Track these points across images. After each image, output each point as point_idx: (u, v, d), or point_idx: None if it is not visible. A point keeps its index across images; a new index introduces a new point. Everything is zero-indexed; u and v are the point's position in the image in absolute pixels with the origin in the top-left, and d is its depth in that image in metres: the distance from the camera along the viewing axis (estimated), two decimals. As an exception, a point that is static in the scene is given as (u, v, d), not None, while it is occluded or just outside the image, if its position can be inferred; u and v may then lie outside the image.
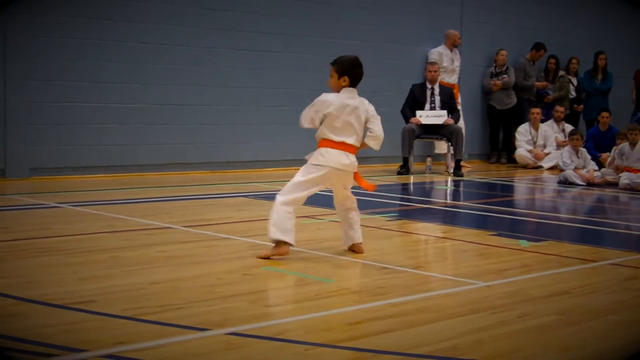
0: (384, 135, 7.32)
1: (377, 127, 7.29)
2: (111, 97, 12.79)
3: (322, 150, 7.05)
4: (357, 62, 7.36)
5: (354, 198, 7.31)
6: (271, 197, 10.56)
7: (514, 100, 17.97)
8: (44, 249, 7.00)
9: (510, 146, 17.85)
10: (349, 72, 7.23)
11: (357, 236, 7.25)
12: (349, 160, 7.06)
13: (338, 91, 7.17)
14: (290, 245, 6.82)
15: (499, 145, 18.26)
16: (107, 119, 12.76)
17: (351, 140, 7.08)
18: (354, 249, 7.24)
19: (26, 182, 11.70)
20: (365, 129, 7.24)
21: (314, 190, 7.07)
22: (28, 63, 11.96)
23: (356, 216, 7.27)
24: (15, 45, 11.80)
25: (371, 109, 7.28)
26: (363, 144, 7.26)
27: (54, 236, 7.61)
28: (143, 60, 12.99)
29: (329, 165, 6.97)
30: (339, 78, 7.17)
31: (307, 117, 7.17)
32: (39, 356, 4.21)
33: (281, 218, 6.81)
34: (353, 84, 7.23)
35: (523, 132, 17.19)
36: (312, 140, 15.00)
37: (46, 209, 9.43)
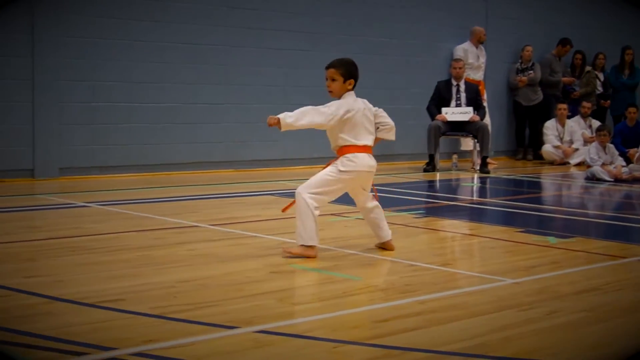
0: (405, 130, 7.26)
1: (388, 119, 7.38)
2: (140, 96, 12.85)
3: (350, 155, 7.00)
4: (356, 64, 7.24)
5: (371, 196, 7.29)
6: (298, 195, 10.63)
7: (540, 96, 17.91)
8: (74, 248, 7.04)
9: (536, 142, 17.79)
10: (354, 75, 7.15)
11: (386, 234, 7.24)
12: (373, 161, 7.12)
13: (340, 95, 7.09)
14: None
15: (525, 142, 18.21)
16: (136, 118, 12.81)
17: (370, 141, 7.13)
18: (385, 247, 7.24)
19: (55, 182, 11.78)
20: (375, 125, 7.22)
21: (339, 195, 7.06)
22: (57, 63, 12.03)
23: (380, 213, 7.26)
24: (44, 46, 11.88)
25: (371, 105, 7.26)
26: (376, 139, 7.28)
27: (83, 235, 7.66)
28: (172, 60, 13.04)
29: (358, 169, 6.94)
30: (344, 81, 7.07)
31: (329, 115, 7.00)
32: (69, 354, 4.24)
33: (311, 222, 6.79)
34: (354, 87, 7.17)
35: (550, 128, 17.12)
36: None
37: (75, 208, 9.49)
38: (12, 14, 11.65)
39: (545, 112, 17.89)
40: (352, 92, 7.13)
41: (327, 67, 7.13)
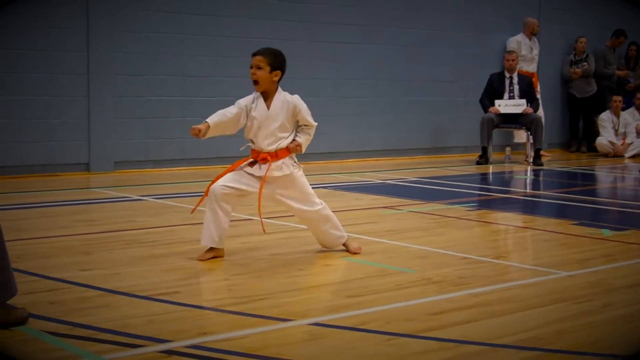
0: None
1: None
2: (193, 90, 12.93)
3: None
4: (285, 57, 6.78)
5: None
6: (351, 189, 10.69)
7: (594, 88, 17.76)
8: (129, 241, 7.12)
9: (590, 135, 17.64)
10: (282, 67, 6.67)
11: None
12: None
13: (266, 85, 6.55)
14: None
15: (579, 134, 18.07)
16: (190, 112, 12.88)
17: None
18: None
19: (110, 176, 11.90)
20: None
21: None
22: (111, 58, 12.15)
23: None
24: (99, 40, 11.99)
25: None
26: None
27: (138, 228, 7.74)
28: (224, 53, 13.10)
29: None
30: (271, 72, 6.52)
31: None
32: (125, 347, 4.30)
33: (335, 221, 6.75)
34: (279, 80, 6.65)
35: (605, 120, 16.97)
36: (391, 131, 15.09)
37: (130, 202, 9.58)
38: (68, 9, 11.78)
39: (599, 104, 17.73)
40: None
41: (254, 54, 6.57)
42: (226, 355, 4.21)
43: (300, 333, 4.63)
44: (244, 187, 6.48)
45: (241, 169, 6.55)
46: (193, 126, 6.35)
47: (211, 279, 5.92)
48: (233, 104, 6.62)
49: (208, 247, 6.47)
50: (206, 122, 6.44)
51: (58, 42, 11.71)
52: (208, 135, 6.50)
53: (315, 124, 6.64)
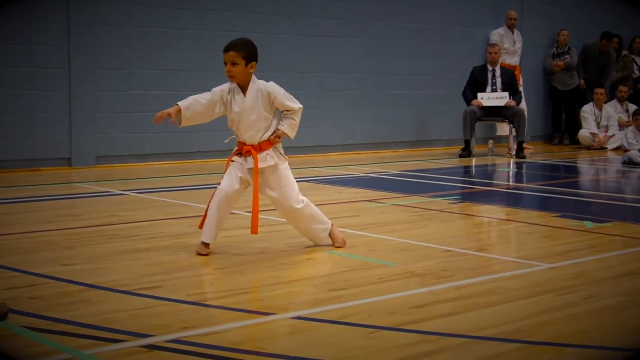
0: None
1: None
2: (176, 84, 12.89)
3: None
4: (255, 45, 6.69)
5: None
6: (334, 182, 10.68)
7: (576, 80, 17.78)
8: (111, 236, 7.09)
9: (572, 127, 17.68)
10: (256, 57, 6.58)
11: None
12: None
13: (246, 80, 6.48)
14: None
15: (561, 127, 18.10)
16: (172, 106, 12.81)
17: None
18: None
19: (92, 170, 11.86)
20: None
21: None
22: (93, 52, 12.09)
23: None
24: (80, 34, 11.94)
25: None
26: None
27: (120, 223, 7.71)
28: (208, 47, 13.05)
29: None
30: (246, 65, 6.43)
31: None
32: (106, 342, 4.28)
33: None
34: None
35: (588, 112, 17.00)
36: (375, 125, 15.09)
37: (112, 196, 9.55)
38: (48, 3, 11.72)
39: (582, 96, 17.77)
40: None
41: (226, 50, 6.43)
42: (208, 350, 4.19)
43: (282, 327, 4.61)
44: (246, 176, 6.43)
45: (233, 160, 6.49)
46: (161, 112, 6.25)
47: (193, 273, 5.89)
48: None
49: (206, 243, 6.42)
50: (177, 104, 6.38)
51: (38, 36, 11.65)
52: (184, 124, 6.47)
53: (299, 106, 6.59)
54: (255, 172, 6.38)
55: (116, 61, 12.34)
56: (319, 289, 5.43)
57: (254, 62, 6.48)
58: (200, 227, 6.47)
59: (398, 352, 4.20)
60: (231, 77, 6.41)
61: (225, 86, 6.51)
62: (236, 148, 6.53)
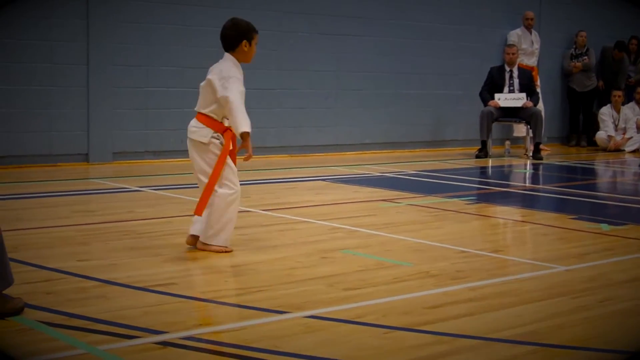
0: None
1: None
2: (193, 81, 12.78)
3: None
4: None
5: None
6: (350, 181, 10.68)
7: (594, 82, 17.72)
8: (127, 232, 7.11)
9: (590, 129, 17.62)
10: None
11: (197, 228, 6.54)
12: (190, 124, 6.67)
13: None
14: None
15: (579, 128, 18.04)
16: (189, 103, 12.75)
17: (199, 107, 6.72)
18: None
19: (109, 166, 11.89)
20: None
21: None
22: (111, 49, 12.13)
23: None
24: (99, 31, 11.97)
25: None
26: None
27: (136, 219, 7.73)
28: (224, 45, 13.05)
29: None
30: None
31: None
32: (121, 337, 4.29)
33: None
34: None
35: (606, 114, 16.94)
36: (392, 124, 15.07)
37: (128, 192, 9.57)
38: (68, 0, 11.76)
39: (600, 98, 17.71)
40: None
41: (257, 31, 6.72)
42: (221, 347, 4.20)
43: (296, 325, 4.61)
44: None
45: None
46: (248, 154, 6.25)
47: (208, 270, 5.91)
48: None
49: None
50: (245, 132, 6.33)
51: (57, 32, 11.69)
52: None
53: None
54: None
55: (134, 58, 12.37)
56: (333, 288, 5.43)
57: None
58: (200, 214, 6.37)
59: (412, 353, 4.20)
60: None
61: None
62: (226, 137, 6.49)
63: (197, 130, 6.53)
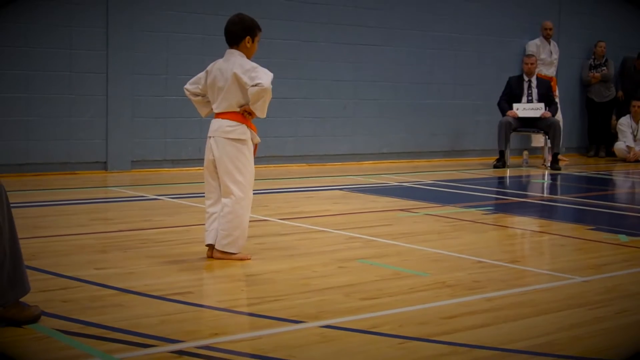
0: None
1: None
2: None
3: None
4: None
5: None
6: (368, 191, 10.68)
7: (613, 92, 17.67)
8: (144, 241, 7.13)
9: (608, 139, 17.56)
10: None
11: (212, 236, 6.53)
12: (216, 125, 6.60)
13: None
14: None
15: (597, 139, 17.96)
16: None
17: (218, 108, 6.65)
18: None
19: (127, 175, 11.92)
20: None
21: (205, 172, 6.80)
22: (131, 58, 12.17)
23: (227, 214, 6.45)
24: (119, 40, 12.02)
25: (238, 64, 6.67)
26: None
27: (154, 228, 7.75)
28: (243, 54, 13.07)
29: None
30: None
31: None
32: (137, 346, 4.30)
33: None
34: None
35: (624, 125, 16.88)
36: (410, 134, 15.06)
37: (146, 201, 9.60)
38: (87, 8, 11.81)
39: (619, 108, 17.66)
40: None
41: (260, 29, 6.96)
42: (237, 357, 4.21)
43: (312, 335, 4.62)
44: None
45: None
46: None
47: (225, 279, 5.91)
48: None
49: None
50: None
51: (77, 40, 11.74)
52: None
53: None
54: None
55: (154, 66, 12.41)
56: (349, 297, 5.43)
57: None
58: None
59: (427, 363, 4.20)
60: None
61: None
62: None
63: (233, 129, 6.45)
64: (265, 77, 6.43)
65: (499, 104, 15.03)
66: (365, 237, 7.51)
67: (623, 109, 17.47)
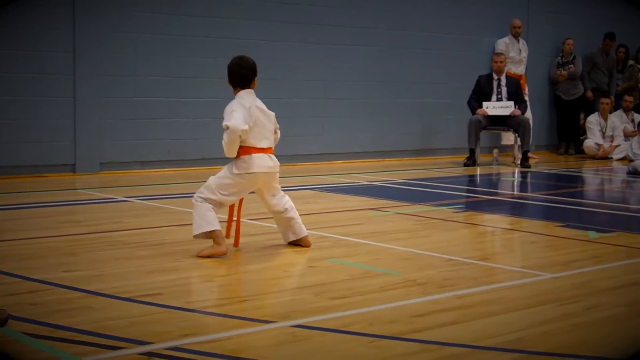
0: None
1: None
2: (181, 91, 12.90)
3: (246, 157, 6.80)
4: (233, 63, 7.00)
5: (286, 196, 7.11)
6: (338, 190, 10.67)
7: (580, 90, 17.75)
8: (113, 243, 7.08)
9: (576, 137, 17.65)
10: (232, 80, 6.96)
11: (301, 230, 7.05)
12: (273, 162, 6.92)
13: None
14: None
15: (566, 136, 18.03)
16: (177, 113, 12.87)
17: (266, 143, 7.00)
18: (300, 243, 7.04)
19: (96, 177, 11.85)
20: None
21: (238, 197, 6.94)
22: (98, 58, 12.10)
23: (292, 212, 7.04)
24: (86, 41, 11.94)
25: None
26: None
27: (123, 230, 7.70)
28: (214, 54, 13.04)
29: (253, 171, 6.78)
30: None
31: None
32: (106, 349, 4.27)
33: (210, 212, 6.69)
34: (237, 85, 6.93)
35: (593, 122, 16.97)
36: (381, 133, 15.07)
37: (115, 203, 9.54)
38: (53, 9, 11.73)
39: (588, 106, 17.76)
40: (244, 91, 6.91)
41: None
42: (207, 357, 4.18)
43: (282, 335, 4.60)
44: None
45: None
46: None
47: (194, 280, 5.89)
48: (222, 105, 6.85)
49: None
50: None
51: (43, 42, 11.66)
52: None
53: (225, 124, 6.72)
54: None
55: (122, 67, 12.35)
56: (320, 297, 5.41)
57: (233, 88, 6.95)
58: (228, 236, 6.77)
59: (398, 361, 4.19)
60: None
61: None
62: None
63: (277, 163, 6.95)
64: None
65: (468, 103, 15.07)
66: (336, 236, 7.50)
67: (592, 107, 17.57)
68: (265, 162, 6.80)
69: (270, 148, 6.90)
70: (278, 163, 6.94)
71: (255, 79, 6.96)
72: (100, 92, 12.16)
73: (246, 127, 6.66)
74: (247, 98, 6.81)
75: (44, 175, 11.67)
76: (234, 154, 6.73)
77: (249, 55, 7.02)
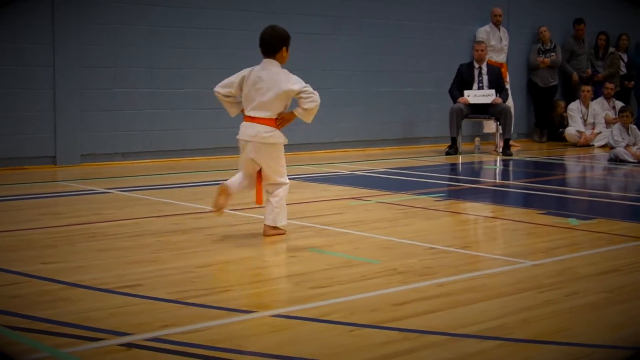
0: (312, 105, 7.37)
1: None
2: (161, 82, 12.85)
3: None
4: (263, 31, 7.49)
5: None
6: (320, 180, 10.66)
7: (556, 79, 17.77)
8: (94, 234, 7.06)
9: (553, 124, 17.68)
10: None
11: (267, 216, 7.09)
12: (254, 130, 6.99)
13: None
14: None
15: (541, 123, 17.99)
16: (158, 104, 12.82)
17: (254, 112, 7.08)
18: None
19: (77, 169, 11.81)
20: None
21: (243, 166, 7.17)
22: (78, 50, 12.04)
23: (274, 201, 7.09)
24: (65, 32, 11.89)
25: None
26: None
27: (103, 221, 7.68)
28: (194, 45, 13.01)
29: (239, 137, 7.06)
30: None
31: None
32: (85, 340, 4.26)
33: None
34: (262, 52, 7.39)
35: (574, 110, 17.00)
36: (362, 122, 15.05)
37: (96, 194, 9.51)
38: (33, 0, 11.67)
39: (570, 93, 17.80)
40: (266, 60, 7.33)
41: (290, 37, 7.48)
42: (187, 348, 4.17)
43: (262, 325, 4.60)
44: None
45: None
46: None
47: (174, 271, 5.87)
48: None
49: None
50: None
51: (23, 33, 11.60)
52: None
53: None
54: None
55: (102, 59, 12.29)
56: (300, 286, 5.41)
57: None
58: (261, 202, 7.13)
59: (379, 350, 4.19)
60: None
61: None
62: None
63: (271, 135, 7.03)
64: (315, 94, 7.40)
65: (450, 91, 15.07)
66: (317, 226, 7.50)
67: (573, 94, 17.61)
68: (246, 130, 7.00)
69: (260, 118, 6.97)
70: (264, 134, 6.97)
71: (284, 49, 7.31)
72: (81, 83, 12.10)
73: (223, 90, 7.19)
74: (259, 66, 7.22)
75: (24, 168, 11.62)
76: (231, 114, 7.31)
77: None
